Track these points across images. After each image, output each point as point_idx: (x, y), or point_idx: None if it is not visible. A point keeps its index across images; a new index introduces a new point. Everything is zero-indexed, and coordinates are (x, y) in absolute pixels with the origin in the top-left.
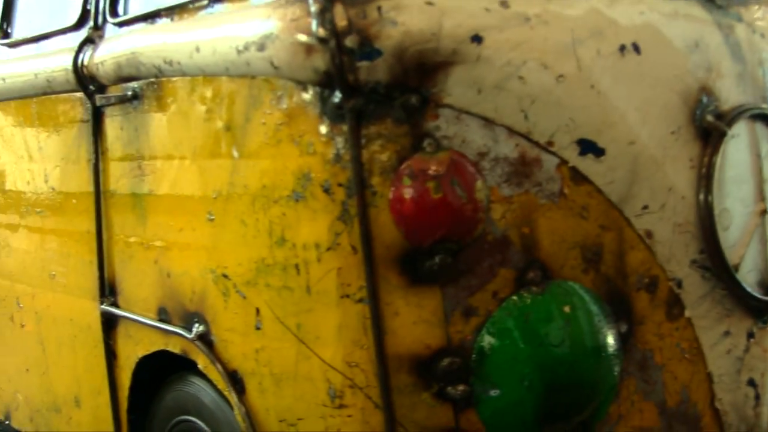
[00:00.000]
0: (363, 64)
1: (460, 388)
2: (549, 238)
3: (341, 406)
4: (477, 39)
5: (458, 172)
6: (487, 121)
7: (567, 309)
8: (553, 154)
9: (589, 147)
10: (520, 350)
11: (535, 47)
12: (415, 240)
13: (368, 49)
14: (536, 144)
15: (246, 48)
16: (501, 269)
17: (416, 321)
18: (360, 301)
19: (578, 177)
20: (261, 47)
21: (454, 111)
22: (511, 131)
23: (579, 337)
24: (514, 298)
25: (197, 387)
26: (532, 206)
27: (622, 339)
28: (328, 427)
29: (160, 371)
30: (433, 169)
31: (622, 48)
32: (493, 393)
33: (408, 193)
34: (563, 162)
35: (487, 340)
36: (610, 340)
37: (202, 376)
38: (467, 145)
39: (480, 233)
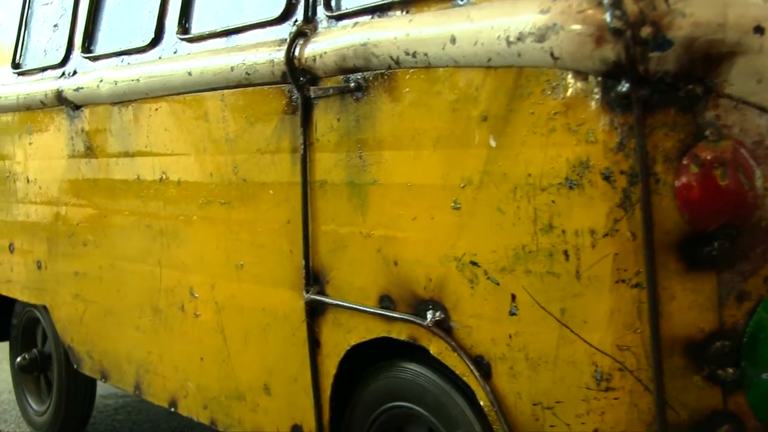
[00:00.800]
0: (654, 54)
1: (730, 370)
2: None
3: (608, 389)
4: (759, 30)
5: (740, 160)
6: (762, 111)
7: None
8: None
9: None
10: None
11: None
12: (700, 226)
13: (661, 40)
14: None
15: (520, 38)
16: None
17: (691, 305)
18: (636, 286)
19: None
20: (540, 38)
21: (733, 101)
22: None
23: None
24: None
25: (415, 373)
26: None
27: None
28: (592, 409)
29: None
30: (718, 157)
31: None
32: (765, 376)
33: (695, 180)
34: None
35: (760, 324)
36: None
37: (424, 362)
38: (745, 134)
39: (756, 220)
